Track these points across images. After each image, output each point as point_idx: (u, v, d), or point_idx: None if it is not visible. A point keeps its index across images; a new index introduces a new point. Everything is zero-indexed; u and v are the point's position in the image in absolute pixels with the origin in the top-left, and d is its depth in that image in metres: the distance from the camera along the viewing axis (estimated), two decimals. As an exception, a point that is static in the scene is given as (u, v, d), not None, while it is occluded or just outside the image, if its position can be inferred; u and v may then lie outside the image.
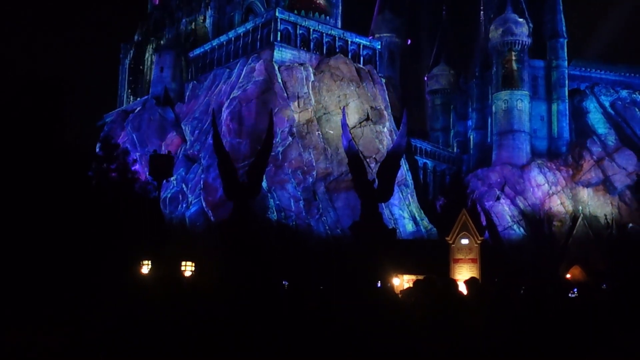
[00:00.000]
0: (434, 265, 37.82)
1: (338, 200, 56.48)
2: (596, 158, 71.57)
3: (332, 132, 58.24)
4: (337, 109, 59.08)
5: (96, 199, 27.86)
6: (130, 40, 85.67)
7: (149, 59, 79.84)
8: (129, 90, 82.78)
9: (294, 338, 9.27)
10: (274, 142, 50.54)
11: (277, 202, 54.40)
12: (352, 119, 58.69)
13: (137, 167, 56.34)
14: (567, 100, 75.86)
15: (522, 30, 73.41)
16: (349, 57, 64.92)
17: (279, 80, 59.22)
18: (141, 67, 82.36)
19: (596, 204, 68.58)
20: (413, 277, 34.71)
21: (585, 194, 69.52)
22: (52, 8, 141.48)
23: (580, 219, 61.18)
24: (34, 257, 19.91)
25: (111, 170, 33.73)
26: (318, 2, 68.45)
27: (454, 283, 11.47)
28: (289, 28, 62.94)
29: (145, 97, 72.67)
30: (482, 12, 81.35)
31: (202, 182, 56.25)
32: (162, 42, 78.26)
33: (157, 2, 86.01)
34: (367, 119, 60.67)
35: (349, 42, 66.44)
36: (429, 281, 10.90)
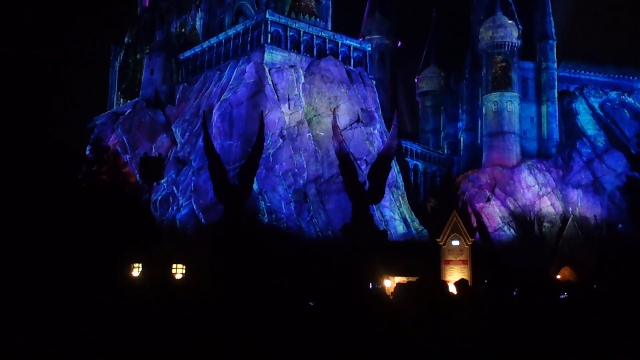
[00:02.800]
0: (425, 267, 37.90)
1: (329, 202, 56.47)
2: (586, 159, 71.97)
3: (322, 134, 58.25)
4: (327, 111, 59.11)
5: (86, 202, 27.76)
6: (121, 43, 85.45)
7: (139, 61, 79.61)
8: (119, 93, 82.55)
9: (288, 338, 9.28)
10: (264, 144, 50.77)
11: (268, 204, 54.33)
12: (343, 121, 58.73)
13: (127, 169, 56.28)
14: (556, 102, 76.32)
15: (512, 32, 73.72)
16: (340, 59, 64.95)
17: (270, 82, 59.17)
18: (131, 69, 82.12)
19: (586, 205, 68.92)
20: (404, 279, 34.79)
21: (575, 195, 69.85)
22: (41, 10, 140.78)
23: (570, 220, 61.41)
24: (24, 261, 19.83)
25: (101, 173, 33.63)
26: (308, 3, 68.48)
27: (444, 284, 11.53)
28: (279, 30, 62.91)
29: (136, 99, 72.46)
30: (472, 14, 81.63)
31: (192, 185, 56.12)
32: (152, 44, 78.07)
33: (147, 4, 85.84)
34: (358, 120, 60.70)
35: (340, 44, 66.46)
36: (420, 283, 10.95)
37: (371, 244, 40.26)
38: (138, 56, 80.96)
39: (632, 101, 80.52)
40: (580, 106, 77.92)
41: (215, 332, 10.18)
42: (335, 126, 47.30)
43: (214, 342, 9.88)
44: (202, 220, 53.35)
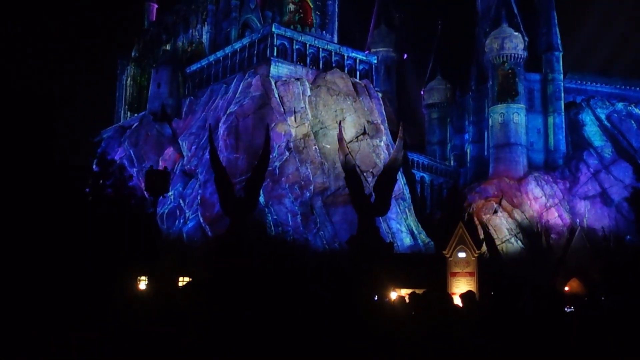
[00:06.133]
0: (432, 279, 37.73)
1: (335, 214, 56.43)
2: (593, 170, 71.74)
3: (329, 146, 58.31)
4: (333, 123, 59.16)
5: (93, 215, 27.85)
6: (128, 56, 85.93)
7: (146, 74, 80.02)
8: (126, 106, 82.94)
9: (292, 349, 9.28)
10: (270, 157, 50.71)
11: (275, 217, 54.35)
12: (349, 133, 58.77)
13: (134, 182, 56.45)
14: (563, 113, 76.20)
15: (518, 44, 73.79)
16: (346, 71, 65.11)
17: (276, 95, 59.35)
18: (138, 82, 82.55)
19: (593, 216, 68.63)
20: (410, 291, 34.59)
21: (582, 206, 69.60)
22: (49, 25, 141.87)
23: (577, 232, 61.06)
24: (30, 274, 19.88)
25: (107, 187, 33.75)
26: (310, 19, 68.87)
27: (448, 297, 11.48)
28: (285, 43, 63.17)
29: (143, 112, 72.77)
30: (477, 26, 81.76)
31: (199, 198, 56.21)
32: (158, 58, 78.48)
33: (153, 19, 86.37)
34: (364, 133, 60.77)
35: (345, 57, 66.66)
36: (424, 296, 10.93)
37: (377, 257, 40.11)
38: (145, 70, 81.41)
39: (639, 112, 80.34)
40: (587, 117, 77.79)
41: (220, 343, 10.19)
42: (341, 138, 47.34)
43: (218, 353, 9.88)
44: (209, 233, 53.38)
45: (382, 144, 61.87)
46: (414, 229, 60.95)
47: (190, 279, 30.96)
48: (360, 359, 8.64)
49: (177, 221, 57.61)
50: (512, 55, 73.50)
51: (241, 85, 61.37)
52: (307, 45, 64.58)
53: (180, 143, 63.99)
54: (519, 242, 65.76)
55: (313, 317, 10.22)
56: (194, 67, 70.92)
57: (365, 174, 56.04)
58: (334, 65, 65.02)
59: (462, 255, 40.47)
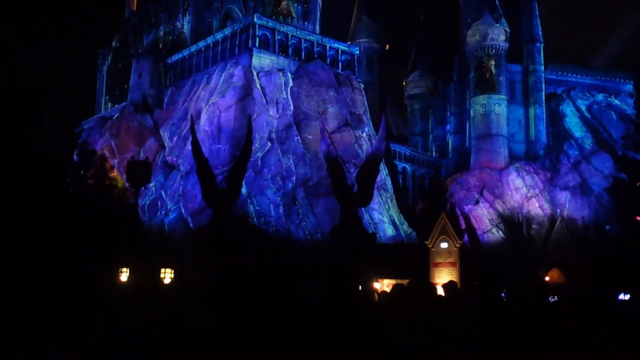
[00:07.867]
0: (414, 270, 37.94)
1: (318, 205, 56.44)
2: (573, 161, 72.31)
3: (311, 137, 58.23)
4: (316, 114, 59.09)
5: (74, 206, 27.63)
6: (109, 47, 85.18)
7: (128, 65, 79.34)
8: (107, 97, 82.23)
9: (277, 340, 9.26)
10: (253, 147, 50.65)
11: (257, 208, 54.25)
12: (331, 124, 58.76)
13: (115, 173, 56.01)
14: (544, 104, 76.69)
15: (499, 35, 74.03)
16: (328, 62, 64.96)
17: (258, 86, 59.14)
18: (119, 73, 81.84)
19: (574, 207, 69.21)
20: (393, 282, 34.79)
21: (562, 196, 70.14)
22: (28, 15, 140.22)
23: (558, 222, 61.65)
24: (8, 265, 19.70)
25: (88, 177, 33.52)
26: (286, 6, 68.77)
27: (432, 287, 11.49)
28: (267, 34, 62.88)
29: (124, 103, 72.19)
30: (460, 18, 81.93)
31: (181, 189, 55.95)
32: (140, 48, 77.86)
33: (135, 9, 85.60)
34: (346, 124, 60.74)
35: (328, 48, 66.48)
36: (407, 287, 10.93)
37: (360, 247, 40.23)
38: (126, 60, 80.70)
39: (619, 103, 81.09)
40: (567, 108, 78.37)
41: (205, 336, 10.14)
42: (323, 129, 47.37)
43: (203, 347, 9.83)
44: (191, 224, 53.19)
45: (365, 135, 61.90)
46: (396, 219, 61.14)
47: (174, 271, 30.91)
48: (350, 353, 8.65)
49: (158, 212, 57.31)
50: (494, 46, 73.74)
51: (223, 76, 61.02)
52: (289, 35, 64.34)
53: (162, 134, 63.57)
54: (500, 232, 66.21)
55: (307, 313, 10.20)
56: (176, 57, 70.41)
57: (347, 164, 56.08)
58: (316, 56, 64.84)
59: (444, 245, 40.74)
